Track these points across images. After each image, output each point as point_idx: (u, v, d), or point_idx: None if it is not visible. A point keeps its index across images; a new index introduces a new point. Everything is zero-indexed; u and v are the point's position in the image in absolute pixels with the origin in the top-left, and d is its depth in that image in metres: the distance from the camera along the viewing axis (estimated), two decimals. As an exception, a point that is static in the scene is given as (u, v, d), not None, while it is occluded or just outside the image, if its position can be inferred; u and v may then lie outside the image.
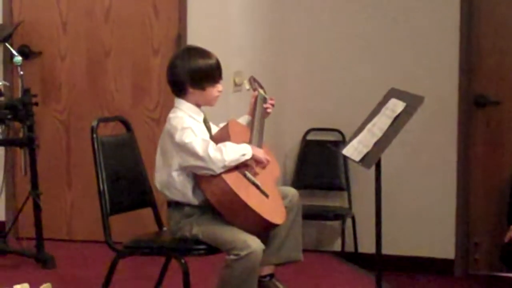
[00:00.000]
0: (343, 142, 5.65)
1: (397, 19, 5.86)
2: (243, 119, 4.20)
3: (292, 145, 6.12)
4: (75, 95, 5.79)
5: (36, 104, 5.11)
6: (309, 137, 6.07)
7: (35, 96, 5.11)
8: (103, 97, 5.74)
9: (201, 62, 3.93)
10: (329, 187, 6.03)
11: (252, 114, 4.13)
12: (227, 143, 3.82)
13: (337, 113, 5.99)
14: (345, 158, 5.42)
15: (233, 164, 3.79)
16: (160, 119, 5.52)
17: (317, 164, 6.01)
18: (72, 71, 5.79)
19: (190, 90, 3.93)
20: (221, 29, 5.42)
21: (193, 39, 5.37)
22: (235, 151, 3.80)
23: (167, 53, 5.40)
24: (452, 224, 5.81)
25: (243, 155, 3.82)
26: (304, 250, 4.15)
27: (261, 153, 3.93)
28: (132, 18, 5.66)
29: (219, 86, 3.99)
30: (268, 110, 4.19)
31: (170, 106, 4.02)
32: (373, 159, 3.83)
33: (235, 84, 5.40)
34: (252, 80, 4.26)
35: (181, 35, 5.52)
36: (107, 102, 5.73)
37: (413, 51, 5.85)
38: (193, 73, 3.91)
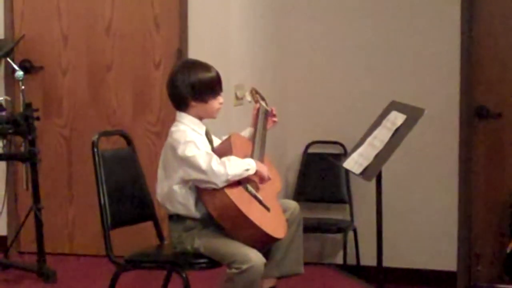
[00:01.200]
0: (345, 155, 5.65)
1: (398, 31, 5.87)
2: (247, 132, 4.21)
3: (293, 158, 6.12)
4: (77, 109, 5.79)
5: (38, 118, 5.11)
6: (310, 150, 6.07)
7: (36, 110, 5.11)
8: (104, 111, 5.74)
9: (202, 75, 3.94)
10: (331, 200, 6.03)
11: (254, 127, 4.14)
12: (231, 157, 3.81)
13: (338, 126, 5.99)
14: (347, 171, 5.42)
15: (236, 178, 3.79)
16: (161, 132, 5.51)
17: (319, 177, 6.01)
18: (73, 86, 5.79)
19: (192, 103, 3.93)
20: (222, 43, 5.42)
21: (194, 52, 5.37)
22: (239, 166, 3.79)
23: (168, 67, 5.38)
24: (454, 236, 5.79)
25: (247, 170, 3.81)
26: (306, 263, 4.14)
27: (264, 169, 3.92)
28: (133, 32, 5.67)
29: (220, 98, 4.00)
30: (274, 119, 4.23)
31: (171, 120, 4.02)
32: (373, 171, 3.84)
33: (237, 98, 5.39)
34: (254, 92, 4.26)
35: (182, 49, 5.52)
36: (108, 116, 5.73)
37: (414, 64, 5.85)
38: (194, 86, 3.91)
